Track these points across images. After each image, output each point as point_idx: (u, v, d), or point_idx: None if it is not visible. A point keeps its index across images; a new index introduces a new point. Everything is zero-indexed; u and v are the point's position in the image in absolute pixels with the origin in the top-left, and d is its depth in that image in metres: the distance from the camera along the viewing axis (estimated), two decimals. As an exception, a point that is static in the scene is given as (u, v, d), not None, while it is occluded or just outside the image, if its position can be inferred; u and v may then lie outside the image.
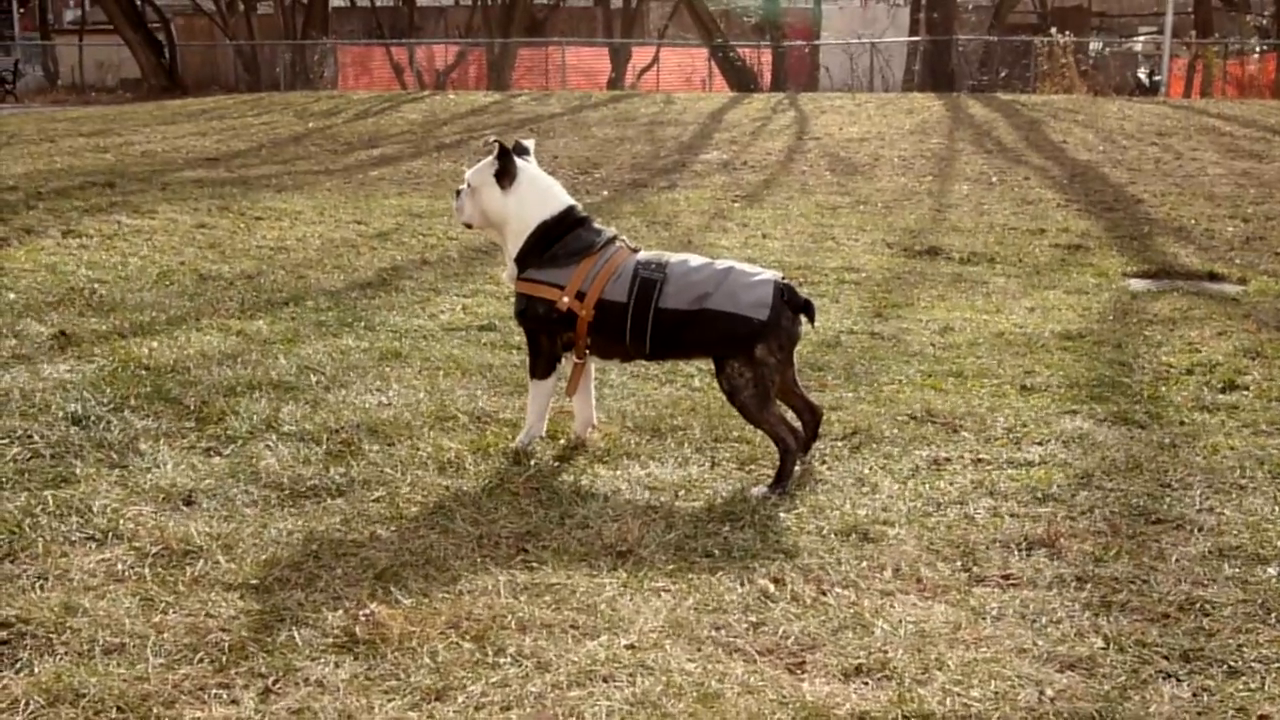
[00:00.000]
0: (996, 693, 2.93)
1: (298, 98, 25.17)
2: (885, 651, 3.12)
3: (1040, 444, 4.82)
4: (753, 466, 4.52)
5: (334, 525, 3.86)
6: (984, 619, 3.33)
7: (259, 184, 12.52)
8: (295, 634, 3.14)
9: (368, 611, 3.23)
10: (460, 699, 2.87)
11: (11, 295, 6.99)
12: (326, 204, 11.22)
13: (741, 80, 31.58)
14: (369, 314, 6.79)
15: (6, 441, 4.50)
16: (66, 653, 3.03)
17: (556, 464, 4.49)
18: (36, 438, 4.55)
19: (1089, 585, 3.53)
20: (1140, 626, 3.28)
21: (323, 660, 3.03)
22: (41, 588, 3.38)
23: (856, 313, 7.18)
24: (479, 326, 6.57)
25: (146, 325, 6.38)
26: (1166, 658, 3.12)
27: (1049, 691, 2.94)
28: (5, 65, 39.78)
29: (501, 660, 3.04)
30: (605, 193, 12.46)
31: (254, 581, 3.44)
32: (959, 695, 2.92)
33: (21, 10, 52.12)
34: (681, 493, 4.24)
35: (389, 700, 2.87)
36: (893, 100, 22.37)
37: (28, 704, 2.80)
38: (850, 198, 12.12)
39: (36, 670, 2.94)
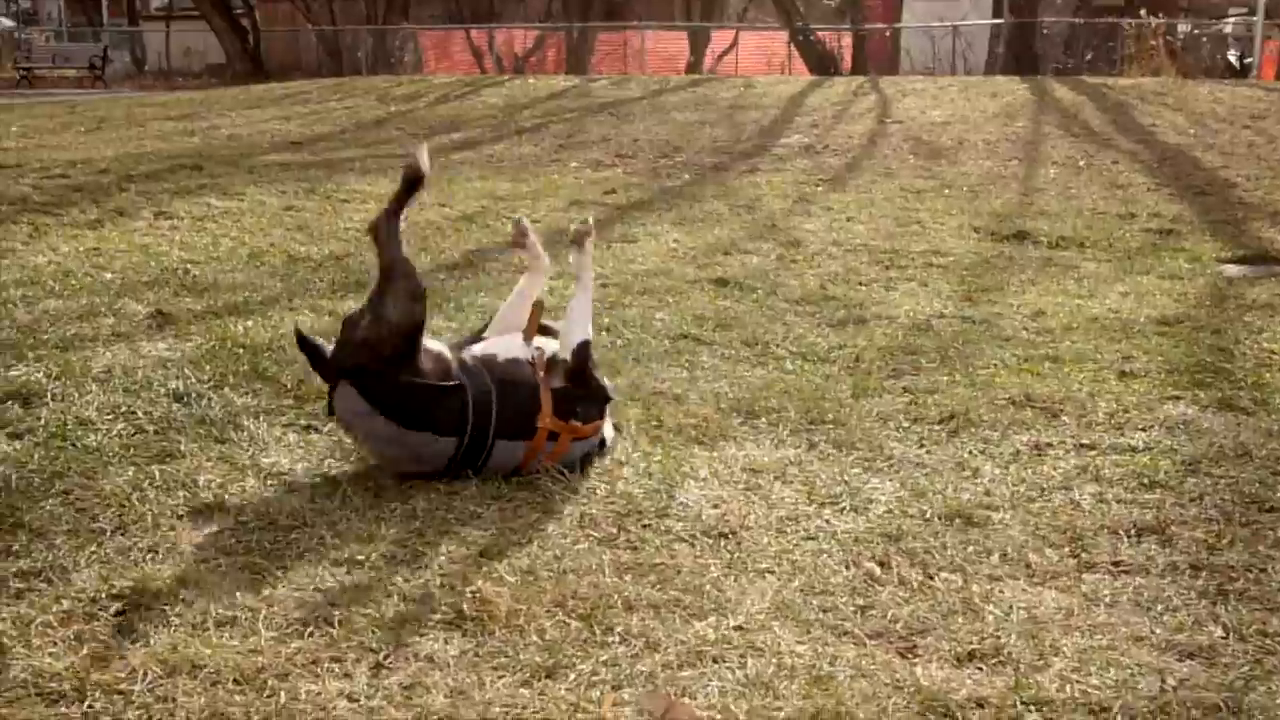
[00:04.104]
0: (1117, 681, 2.87)
1: (379, 82, 25.35)
2: (998, 637, 3.07)
3: (1144, 430, 4.72)
4: (851, 449, 4.47)
5: (436, 501, 3.87)
6: (1097, 606, 3.26)
7: (343, 167, 12.61)
8: (404, 609, 3.15)
9: (474, 589, 3.23)
10: (571, 677, 2.87)
11: (108, 275, 7.10)
12: (411, 187, 11.24)
13: (822, 64, 31.32)
14: (457, 295, 6.81)
15: (112, 417, 4.57)
16: (181, 624, 3.06)
17: (652, 445, 4.47)
18: (140, 414, 4.61)
19: (1204, 573, 3.45)
20: (1260, 616, 3.20)
21: (432, 636, 3.04)
22: (153, 560, 3.42)
23: (946, 296, 7.09)
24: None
25: (240, 305, 6.45)
26: (1289, 649, 3.04)
27: (1170, 680, 2.87)
28: (95, 52, 40.57)
29: (610, 639, 3.03)
30: (686, 176, 12.42)
31: (359, 557, 3.46)
32: (1077, 683, 2.86)
33: (109, -3, 52.92)
34: (780, 475, 4.21)
35: (500, 677, 2.87)
36: (975, 84, 22.05)
37: (145, 674, 2.83)
38: (935, 181, 11.97)
39: (153, 642, 2.98)
